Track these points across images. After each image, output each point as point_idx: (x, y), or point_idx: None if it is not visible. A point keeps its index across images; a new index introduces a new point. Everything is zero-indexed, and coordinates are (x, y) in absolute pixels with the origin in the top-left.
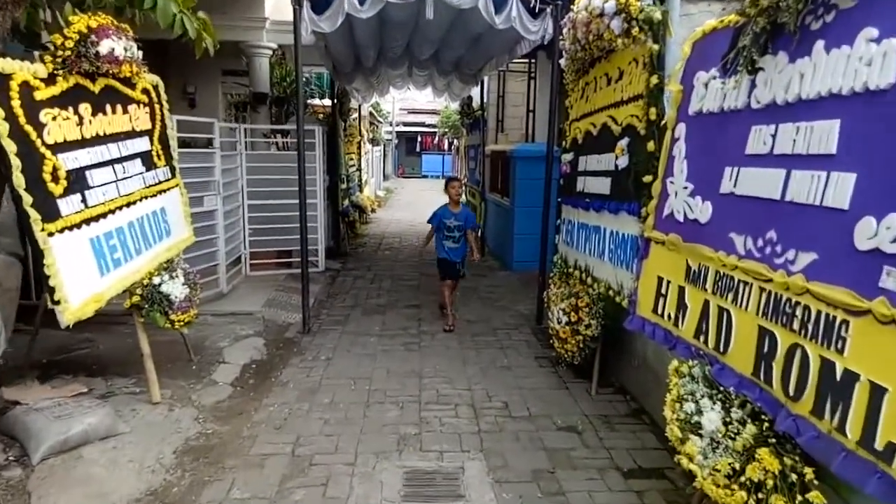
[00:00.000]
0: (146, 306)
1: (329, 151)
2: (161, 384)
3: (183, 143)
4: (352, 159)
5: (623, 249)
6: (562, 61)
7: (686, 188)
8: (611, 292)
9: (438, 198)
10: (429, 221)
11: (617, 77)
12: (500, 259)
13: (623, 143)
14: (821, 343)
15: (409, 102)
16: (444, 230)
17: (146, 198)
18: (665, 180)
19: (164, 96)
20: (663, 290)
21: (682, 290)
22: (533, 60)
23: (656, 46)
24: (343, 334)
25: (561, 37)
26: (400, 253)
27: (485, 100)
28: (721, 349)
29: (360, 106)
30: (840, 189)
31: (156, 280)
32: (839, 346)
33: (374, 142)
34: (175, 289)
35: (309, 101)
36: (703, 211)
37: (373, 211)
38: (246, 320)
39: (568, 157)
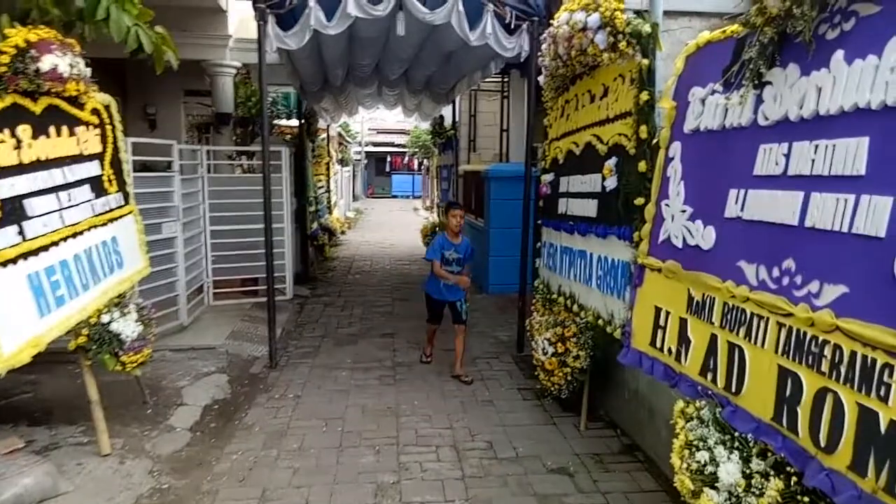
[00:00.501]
0: (94, 347)
1: (296, 173)
2: (112, 432)
3: (141, 167)
4: (320, 181)
5: (613, 276)
6: (540, 78)
7: (684, 211)
8: (600, 321)
9: (408, 218)
10: (428, 257)
11: (601, 94)
12: (475, 282)
13: (611, 163)
14: (857, 389)
15: (379, 122)
16: (447, 260)
17: (95, 227)
18: (659, 203)
19: (116, 117)
20: (662, 322)
21: (683, 323)
22: (506, 79)
23: (646, 61)
24: (313, 368)
25: (539, 53)
26: (371, 276)
27: (457, 119)
28: (733, 389)
29: (328, 126)
30: (873, 214)
31: (105, 318)
32: (881, 393)
33: (343, 162)
34: (127, 327)
35: (275, 122)
36: (705, 236)
37: (342, 233)
38: (208, 355)
39: (548, 177)
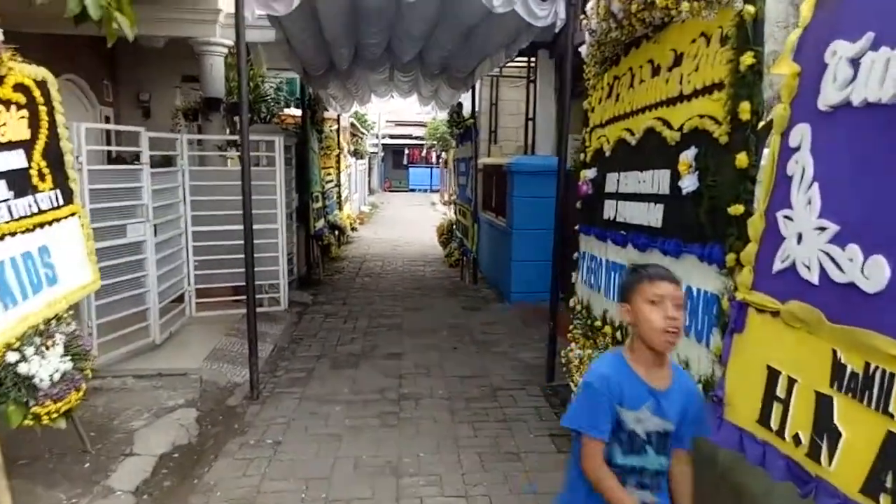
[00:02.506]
0: None
1: (299, 166)
2: (27, 499)
3: (116, 158)
4: (329, 174)
5: (690, 312)
6: (582, 49)
7: (822, 229)
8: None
9: (424, 213)
10: (576, 426)
11: (670, 63)
12: (496, 288)
13: (688, 155)
14: None
15: (397, 114)
16: (621, 439)
17: (13, 234)
18: (772, 214)
19: (55, 96)
20: (781, 392)
21: (825, 403)
22: (532, 61)
23: (751, 8)
24: (302, 400)
25: (583, 14)
26: (381, 280)
27: (476, 108)
28: None
29: (338, 116)
30: None
31: (11, 357)
32: None
33: (357, 155)
34: (44, 368)
35: (276, 111)
36: (869, 272)
37: (353, 230)
38: (178, 383)
39: (589, 173)
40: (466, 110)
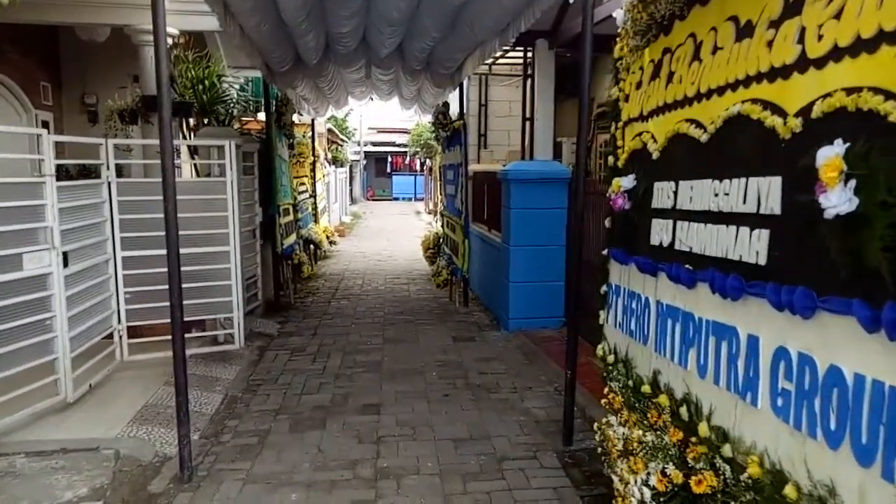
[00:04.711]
0: None
1: (262, 176)
2: None
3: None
4: (303, 183)
5: (839, 407)
6: (616, 14)
7: None
8: (790, 490)
9: (409, 223)
10: None
11: (778, 12)
12: (490, 312)
13: (831, 154)
14: None
15: (380, 120)
16: None
17: None
18: None
19: None
20: None
21: None
22: (529, 53)
23: None
24: (247, 483)
25: None
26: (360, 302)
27: (465, 110)
28: None
29: (312, 121)
30: None
31: None
32: None
33: (336, 162)
34: None
35: (244, 115)
36: None
37: (332, 243)
38: (86, 461)
39: (625, 181)
40: (454, 111)
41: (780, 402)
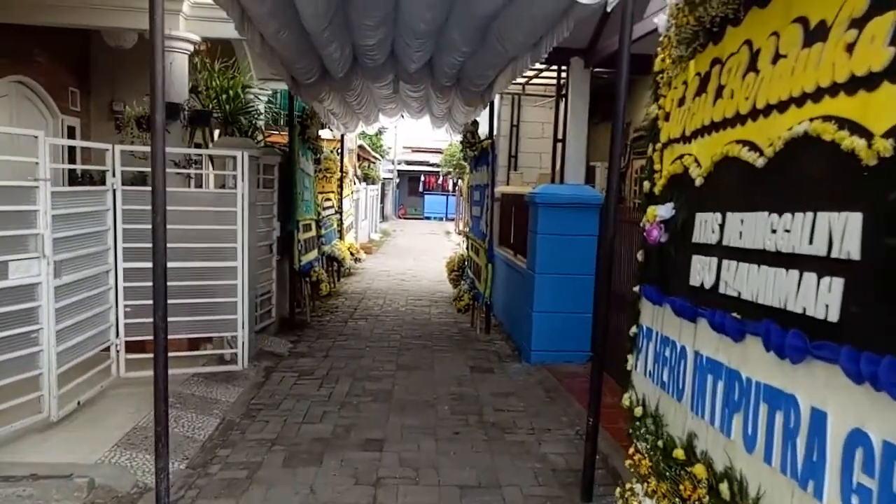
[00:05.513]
0: None
1: (282, 190)
2: None
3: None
4: (328, 199)
5: None
6: (659, 20)
7: None
8: None
9: (438, 243)
10: None
11: (863, 9)
12: (512, 341)
13: None
14: None
15: (414, 140)
16: None
17: None
18: None
19: None
20: None
21: None
22: (563, 73)
23: None
24: None
25: None
26: (378, 324)
27: (495, 129)
28: None
29: (342, 136)
30: None
31: None
32: None
33: (367, 179)
34: None
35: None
36: None
37: (357, 260)
38: (55, 489)
39: (662, 210)
40: (483, 131)
41: (854, 501)
